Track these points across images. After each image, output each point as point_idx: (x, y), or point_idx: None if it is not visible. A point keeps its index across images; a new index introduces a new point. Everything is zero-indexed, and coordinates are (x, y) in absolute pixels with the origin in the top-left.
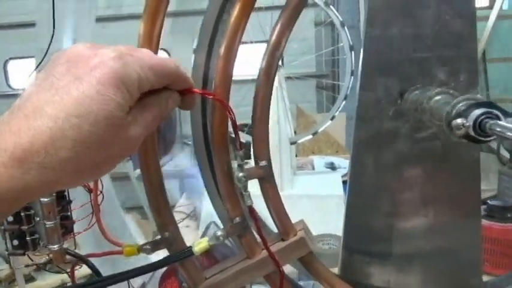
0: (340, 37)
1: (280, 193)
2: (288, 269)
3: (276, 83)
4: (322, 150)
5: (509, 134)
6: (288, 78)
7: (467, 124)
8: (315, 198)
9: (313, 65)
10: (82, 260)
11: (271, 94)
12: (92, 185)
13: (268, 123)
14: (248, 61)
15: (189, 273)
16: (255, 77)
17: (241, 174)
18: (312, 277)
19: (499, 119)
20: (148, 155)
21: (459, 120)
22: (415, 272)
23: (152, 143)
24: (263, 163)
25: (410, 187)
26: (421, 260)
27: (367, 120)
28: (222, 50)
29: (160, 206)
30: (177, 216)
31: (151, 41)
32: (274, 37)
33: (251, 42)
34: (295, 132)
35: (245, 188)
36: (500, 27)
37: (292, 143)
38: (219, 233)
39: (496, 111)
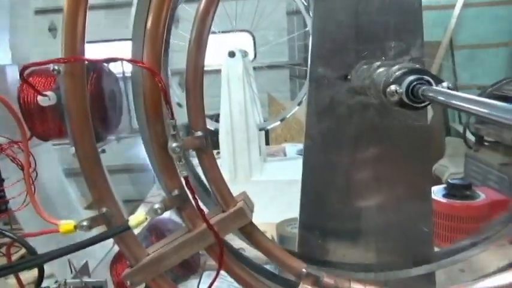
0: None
1: (250, 179)
2: (252, 252)
3: (240, 70)
4: (294, 138)
5: (440, 98)
6: (259, 67)
7: (401, 91)
8: (284, 183)
9: (286, 54)
10: (15, 239)
11: (202, 62)
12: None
13: (202, 93)
14: (213, 51)
15: (130, 249)
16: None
17: (174, 144)
18: (252, 246)
19: (431, 85)
20: (80, 126)
21: (393, 87)
22: (369, 246)
23: (84, 113)
24: (199, 133)
25: (362, 163)
26: (375, 234)
27: (318, 99)
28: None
29: (95, 180)
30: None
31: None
32: (202, 4)
33: (218, 32)
34: (265, 121)
35: (180, 158)
36: (466, 14)
37: (260, 130)
38: (157, 205)
39: (427, 77)
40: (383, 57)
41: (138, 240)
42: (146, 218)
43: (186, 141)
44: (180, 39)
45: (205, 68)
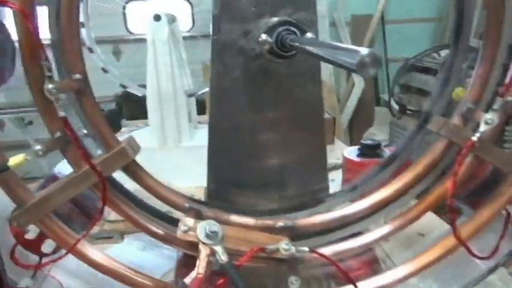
0: None
1: (179, 145)
2: None
3: (165, 35)
4: None
5: (307, 48)
6: (193, 37)
7: (271, 40)
8: None
9: None
10: None
11: (77, 9)
12: None
13: (78, 34)
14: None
15: (14, 191)
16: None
17: (50, 86)
18: (138, 184)
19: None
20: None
21: (264, 36)
22: (272, 196)
23: None
24: (77, 76)
25: (264, 111)
26: (277, 186)
27: (220, 59)
28: None
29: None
30: None
31: None
32: None
33: None
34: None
35: (57, 100)
36: None
37: (190, 96)
38: (38, 147)
39: (294, 28)
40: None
41: (23, 183)
42: (26, 159)
43: (63, 83)
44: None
45: (141, 37)
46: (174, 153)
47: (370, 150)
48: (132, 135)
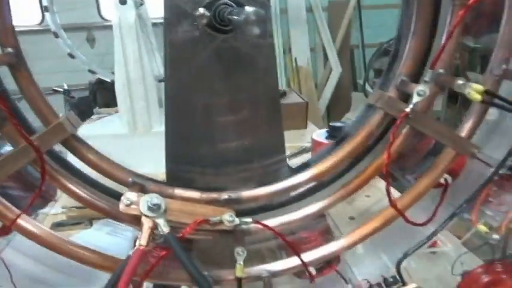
0: None
1: (150, 130)
2: None
3: (132, 19)
4: None
5: (243, 16)
6: None
7: (208, 14)
8: None
9: None
10: None
11: None
12: None
13: (9, 8)
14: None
15: None
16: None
17: None
18: (79, 159)
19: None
20: None
21: (201, 10)
22: (229, 172)
23: None
24: (8, 50)
25: (219, 92)
26: (233, 160)
27: (172, 39)
28: None
29: None
30: None
31: None
32: None
33: None
34: None
35: None
36: None
37: (160, 81)
38: None
39: (231, 2)
40: None
41: None
42: None
43: None
44: None
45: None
46: (145, 139)
47: (337, 132)
48: (103, 121)
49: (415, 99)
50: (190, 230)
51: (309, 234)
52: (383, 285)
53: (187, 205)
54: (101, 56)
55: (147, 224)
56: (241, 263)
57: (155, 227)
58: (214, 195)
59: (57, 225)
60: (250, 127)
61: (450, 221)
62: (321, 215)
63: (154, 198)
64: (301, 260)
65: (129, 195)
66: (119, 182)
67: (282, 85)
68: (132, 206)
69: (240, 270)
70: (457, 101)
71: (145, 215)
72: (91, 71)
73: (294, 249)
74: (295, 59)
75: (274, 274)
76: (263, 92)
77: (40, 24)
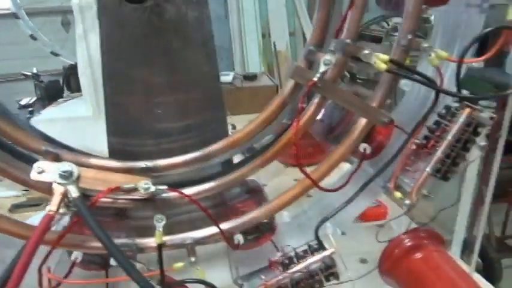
0: None
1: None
2: None
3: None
4: None
5: None
6: None
7: None
8: None
9: None
10: None
11: None
12: None
13: None
14: None
15: None
16: None
17: None
18: None
19: None
20: None
21: None
22: (174, 150)
23: None
24: None
25: (158, 72)
26: (177, 138)
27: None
28: None
29: None
30: None
31: None
32: None
33: None
34: None
35: None
36: None
37: None
38: None
39: None
40: None
41: None
42: None
43: None
44: None
45: None
46: None
47: None
48: (68, 104)
49: (322, 68)
50: (102, 196)
51: (243, 204)
52: (308, 251)
53: (102, 173)
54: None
55: (58, 190)
56: (161, 229)
57: (66, 194)
58: (130, 163)
59: (15, 207)
60: (191, 107)
61: (365, 188)
62: (255, 185)
63: (66, 166)
64: (219, 228)
65: (41, 164)
66: (33, 151)
67: (261, 69)
68: (44, 174)
69: (159, 237)
70: None
71: (57, 182)
72: (53, 53)
73: (211, 216)
74: (274, 43)
75: (198, 241)
76: (202, 74)
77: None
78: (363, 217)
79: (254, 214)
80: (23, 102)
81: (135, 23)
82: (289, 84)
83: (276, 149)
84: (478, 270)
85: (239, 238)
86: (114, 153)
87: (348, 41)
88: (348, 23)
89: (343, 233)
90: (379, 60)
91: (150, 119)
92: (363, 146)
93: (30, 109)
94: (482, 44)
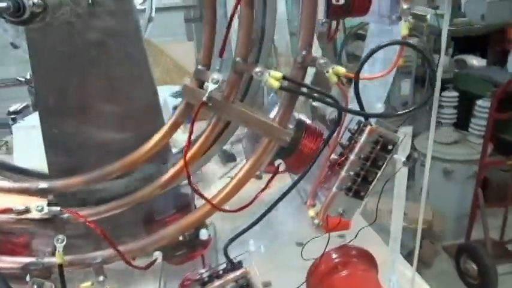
0: None
1: None
2: None
3: None
4: (175, 81)
5: None
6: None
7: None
8: None
9: None
10: None
11: None
12: None
13: None
14: None
15: None
16: None
17: None
18: None
19: None
20: None
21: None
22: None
23: None
24: None
25: (89, 82)
26: (114, 150)
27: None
28: None
29: None
30: None
31: None
32: None
33: None
34: None
35: None
36: None
37: None
38: None
39: None
40: None
41: None
42: None
43: None
44: None
45: None
46: None
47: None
48: None
49: (210, 87)
50: None
51: (170, 218)
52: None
53: None
54: None
55: None
56: (61, 250)
57: None
58: (26, 184)
59: None
60: (127, 119)
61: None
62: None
63: None
64: (116, 250)
65: None
66: None
67: None
68: None
69: (59, 257)
70: (425, 85)
71: None
72: (13, 45)
73: (108, 238)
74: (274, 45)
75: (106, 261)
76: (137, 84)
77: None
78: (325, 227)
79: (155, 237)
80: (12, 108)
81: (59, 42)
82: (181, 105)
83: (172, 174)
84: (472, 276)
85: (157, 255)
86: (52, 170)
87: (238, 59)
88: (238, 42)
89: (299, 244)
90: (272, 78)
91: (86, 134)
92: (277, 162)
93: (12, 116)
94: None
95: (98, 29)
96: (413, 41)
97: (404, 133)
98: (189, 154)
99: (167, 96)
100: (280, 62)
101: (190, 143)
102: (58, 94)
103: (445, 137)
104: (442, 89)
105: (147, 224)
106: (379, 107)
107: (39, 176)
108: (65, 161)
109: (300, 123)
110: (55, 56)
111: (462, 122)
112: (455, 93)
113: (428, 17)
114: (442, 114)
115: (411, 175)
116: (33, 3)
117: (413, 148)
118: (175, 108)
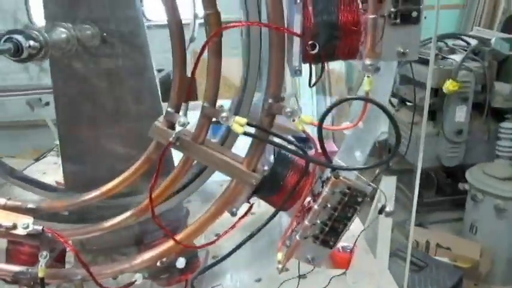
0: None
1: None
2: None
3: None
4: (222, 94)
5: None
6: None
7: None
8: None
9: None
10: None
11: None
12: None
13: None
14: None
15: None
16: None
17: None
18: None
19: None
20: None
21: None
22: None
23: None
24: None
25: (103, 105)
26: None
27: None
28: None
29: None
30: None
31: None
32: None
33: None
34: None
35: None
36: None
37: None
38: None
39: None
40: None
41: None
42: None
43: None
44: None
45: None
46: None
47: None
48: None
49: (177, 128)
50: None
51: (159, 241)
52: None
53: None
54: None
55: None
56: (43, 265)
57: None
58: (18, 203)
59: None
60: (135, 138)
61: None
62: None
63: None
64: (89, 272)
65: None
66: None
67: (314, 87)
68: None
69: (42, 271)
70: (484, 112)
71: None
72: None
73: (80, 259)
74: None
75: (85, 278)
76: (144, 107)
77: None
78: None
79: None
80: None
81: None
82: (152, 143)
83: (136, 212)
84: None
85: (136, 277)
86: (68, 183)
87: (206, 104)
88: (206, 88)
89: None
90: (237, 123)
91: (98, 150)
92: (232, 208)
93: None
94: None
95: (108, 62)
96: (472, 65)
97: (384, 183)
98: (156, 192)
99: None
100: (332, 78)
101: (156, 182)
102: (75, 114)
103: (499, 171)
104: (501, 119)
105: (138, 245)
106: (358, 155)
107: (56, 189)
108: (80, 175)
109: (284, 160)
110: (71, 75)
111: None
112: None
113: (492, 41)
114: (499, 147)
115: (462, 209)
116: (29, 46)
117: (464, 180)
118: None
